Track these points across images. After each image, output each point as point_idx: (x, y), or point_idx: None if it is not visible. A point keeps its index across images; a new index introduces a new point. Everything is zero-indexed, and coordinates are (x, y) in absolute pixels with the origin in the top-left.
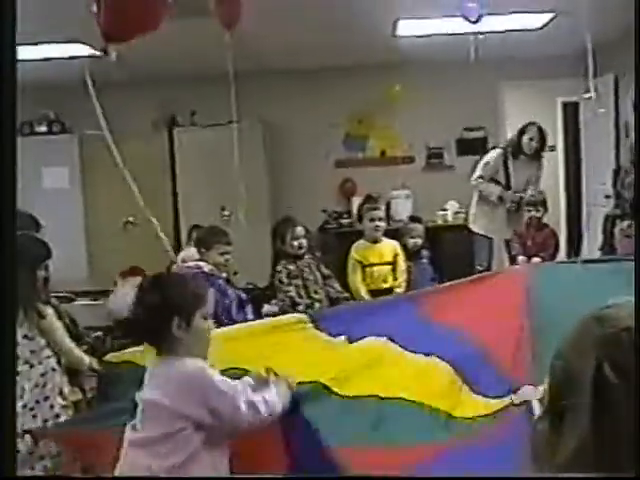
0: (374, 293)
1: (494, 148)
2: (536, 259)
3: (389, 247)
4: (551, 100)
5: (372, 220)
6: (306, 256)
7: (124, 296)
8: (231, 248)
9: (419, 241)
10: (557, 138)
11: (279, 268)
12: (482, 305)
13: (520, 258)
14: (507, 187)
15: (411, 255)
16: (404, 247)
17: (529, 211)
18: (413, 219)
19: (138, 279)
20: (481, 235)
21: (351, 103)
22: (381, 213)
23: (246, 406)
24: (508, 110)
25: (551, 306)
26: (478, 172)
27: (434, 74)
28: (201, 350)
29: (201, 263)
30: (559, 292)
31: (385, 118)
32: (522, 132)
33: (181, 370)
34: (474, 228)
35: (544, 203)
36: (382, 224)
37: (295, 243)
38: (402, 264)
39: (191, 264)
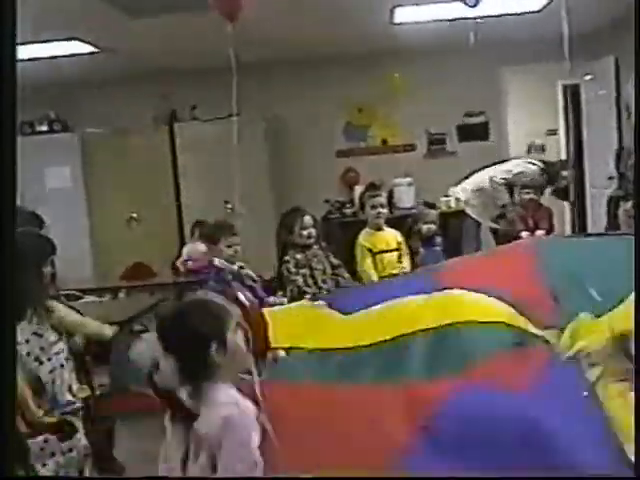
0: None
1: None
2: (539, 232)
3: (392, 235)
4: (551, 83)
5: (374, 207)
6: (314, 246)
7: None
8: (238, 239)
9: (433, 227)
10: (558, 121)
11: (287, 258)
12: (498, 272)
13: (524, 233)
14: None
15: (424, 241)
16: (418, 233)
17: (527, 193)
18: (427, 204)
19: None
20: (472, 219)
21: (351, 92)
22: (382, 200)
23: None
24: (509, 94)
25: (560, 273)
26: (506, 175)
27: (433, 60)
28: (237, 368)
29: (214, 260)
30: (566, 261)
31: (385, 106)
32: (562, 167)
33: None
34: (469, 210)
35: (541, 189)
36: (384, 211)
37: (304, 233)
38: (406, 250)
39: (202, 261)
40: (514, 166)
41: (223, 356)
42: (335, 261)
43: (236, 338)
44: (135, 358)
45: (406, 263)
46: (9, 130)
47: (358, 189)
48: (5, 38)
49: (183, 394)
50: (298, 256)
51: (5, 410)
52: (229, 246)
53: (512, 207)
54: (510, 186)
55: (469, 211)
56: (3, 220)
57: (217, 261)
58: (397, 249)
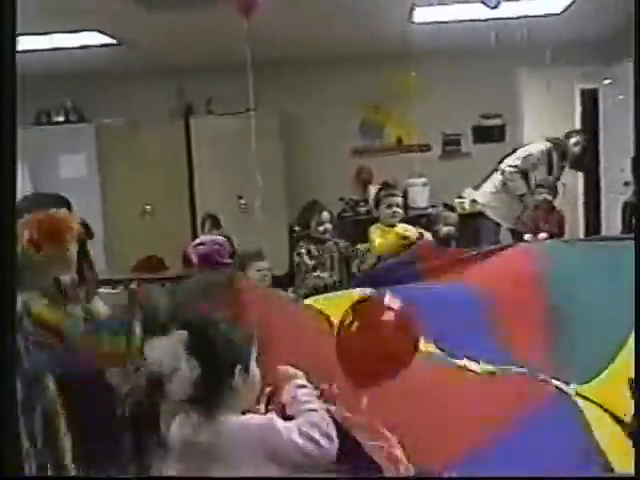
0: None
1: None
2: (542, 234)
3: (403, 230)
4: (570, 87)
5: (390, 206)
6: (329, 242)
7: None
8: (266, 264)
9: (452, 230)
10: (575, 125)
11: (301, 250)
12: (488, 271)
13: (527, 236)
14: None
15: (441, 242)
16: (435, 234)
17: (540, 193)
18: (446, 207)
19: (183, 335)
20: (490, 219)
21: (367, 91)
22: (399, 199)
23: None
24: (526, 97)
25: (560, 278)
26: (515, 162)
27: (451, 61)
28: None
29: (218, 238)
30: (568, 266)
31: (401, 106)
32: (568, 136)
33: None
34: (490, 213)
35: (555, 187)
36: (400, 211)
37: (320, 228)
38: None
39: (207, 238)
40: (521, 152)
41: (243, 382)
42: (348, 252)
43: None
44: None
45: None
46: (9, 131)
47: (372, 188)
48: (5, 31)
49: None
50: (312, 247)
51: (5, 410)
52: (258, 270)
53: (531, 196)
54: (524, 173)
55: (490, 214)
56: (3, 217)
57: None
58: (409, 245)
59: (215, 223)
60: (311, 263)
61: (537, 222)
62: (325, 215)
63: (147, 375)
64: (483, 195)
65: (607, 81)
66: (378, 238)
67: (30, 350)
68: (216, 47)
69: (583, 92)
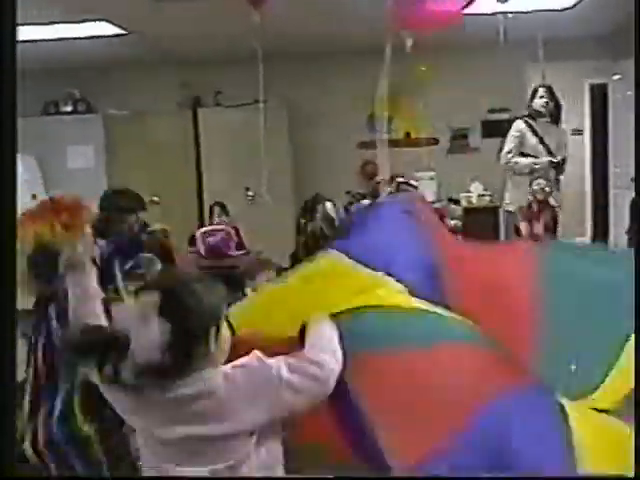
0: None
1: (515, 120)
2: (538, 226)
3: None
4: (579, 82)
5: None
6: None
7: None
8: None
9: (459, 223)
10: (584, 120)
11: (301, 239)
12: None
13: (521, 224)
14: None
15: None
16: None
17: (538, 184)
18: (451, 200)
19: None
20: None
21: (375, 84)
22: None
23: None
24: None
25: (557, 280)
26: (507, 147)
27: (460, 55)
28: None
29: (227, 228)
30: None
31: (410, 99)
32: (533, 96)
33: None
34: (511, 209)
35: (553, 180)
36: None
37: (325, 219)
38: None
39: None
40: (508, 135)
41: (216, 345)
42: None
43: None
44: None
45: None
46: (9, 130)
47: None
48: (5, 23)
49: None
50: (310, 242)
51: (5, 410)
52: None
53: (537, 172)
54: (521, 153)
55: (512, 209)
56: (3, 216)
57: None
58: None
59: (224, 210)
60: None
61: (532, 212)
62: (328, 206)
63: (113, 336)
64: (507, 198)
65: (616, 76)
66: None
67: None
68: (224, 38)
69: (592, 87)
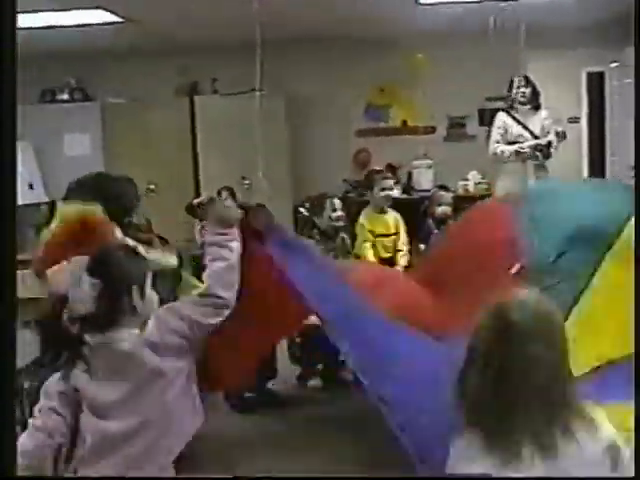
0: (379, 262)
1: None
2: None
3: (392, 218)
4: (576, 70)
5: (383, 189)
6: (339, 234)
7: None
8: None
9: (448, 209)
10: (581, 109)
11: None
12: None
13: None
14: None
15: (438, 223)
16: (432, 215)
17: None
18: (441, 187)
19: (84, 259)
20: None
21: (373, 72)
22: (391, 183)
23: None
24: (532, 80)
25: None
26: (493, 138)
27: (457, 43)
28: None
29: None
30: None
31: (407, 87)
32: (510, 86)
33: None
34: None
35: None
36: (391, 194)
37: (334, 215)
38: (404, 235)
39: None
40: (493, 128)
41: (142, 303)
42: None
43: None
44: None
45: (403, 247)
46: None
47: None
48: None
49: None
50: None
51: (5, 410)
52: None
53: (527, 148)
54: (508, 142)
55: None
56: (3, 214)
57: None
58: (395, 233)
59: (231, 194)
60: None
61: None
62: (337, 201)
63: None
64: (500, 188)
65: (614, 64)
66: (369, 254)
67: None
68: (221, 26)
69: (590, 75)
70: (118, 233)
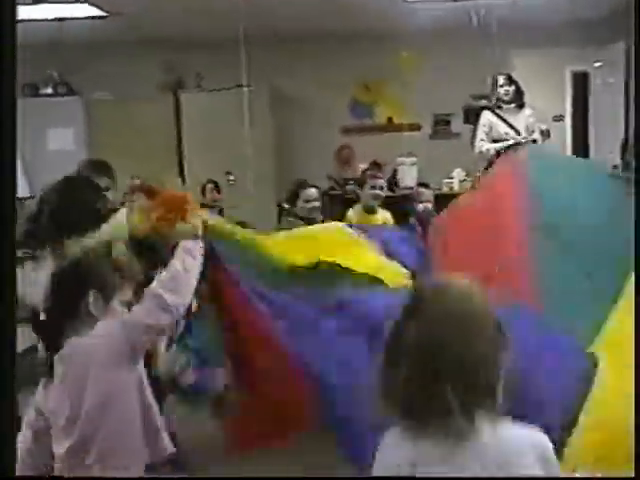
0: None
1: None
2: None
3: (382, 219)
4: (560, 69)
5: (373, 188)
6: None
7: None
8: None
9: (429, 205)
10: (566, 107)
11: (282, 225)
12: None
13: None
14: None
15: (422, 221)
16: (414, 213)
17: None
18: (421, 185)
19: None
20: None
21: (359, 69)
22: (382, 182)
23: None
24: (516, 78)
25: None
26: (479, 136)
27: (442, 40)
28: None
29: None
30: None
31: (392, 85)
32: (494, 85)
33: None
34: None
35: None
36: (382, 193)
37: (307, 205)
38: None
39: None
40: (478, 127)
41: (101, 311)
42: None
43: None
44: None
45: None
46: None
47: (361, 166)
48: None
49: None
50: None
51: (5, 410)
52: None
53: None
54: (493, 140)
55: None
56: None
57: None
58: None
59: (216, 188)
60: None
61: None
62: (312, 192)
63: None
64: None
65: (598, 64)
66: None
67: None
68: (206, 21)
69: (574, 74)
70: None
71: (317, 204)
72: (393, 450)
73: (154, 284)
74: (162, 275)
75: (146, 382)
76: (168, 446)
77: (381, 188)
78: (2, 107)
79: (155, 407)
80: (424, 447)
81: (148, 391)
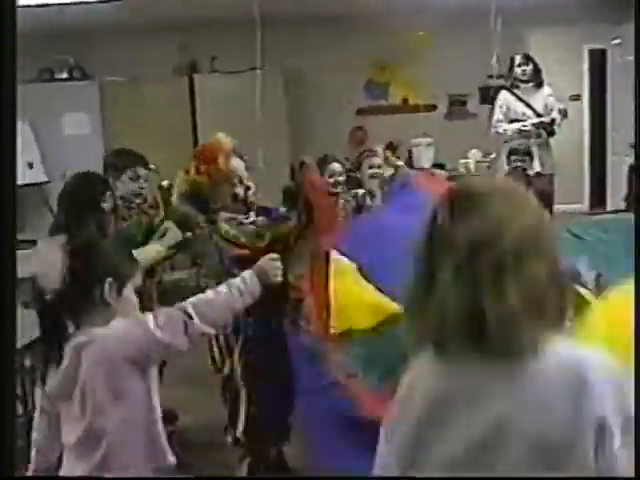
0: None
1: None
2: None
3: None
4: (578, 47)
5: (371, 167)
6: (344, 197)
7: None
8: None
9: None
10: (583, 86)
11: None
12: None
13: None
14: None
15: None
16: None
17: (513, 161)
18: (435, 166)
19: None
20: None
21: (373, 50)
22: (379, 161)
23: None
24: (533, 57)
25: None
26: (496, 116)
27: (458, 20)
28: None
29: None
30: None
31: (407, 65)
32: (512, 65)
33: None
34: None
35: (529, 152)
36: (380, 171)
37: (331, 180)
38: None
39: None
40: (495, 107)
41: (116, 301)
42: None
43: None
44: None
45: None
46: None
47: (377, 148)
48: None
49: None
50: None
51: (5, 410)
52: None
53: (530, 126)
54: (510, 120)
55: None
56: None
57: None
58: None
59: None
60: None
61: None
62: (336, 166)
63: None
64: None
65: (616, 41)
66: None
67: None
68: (220, 3)
69: (591, 52)
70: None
71: (341, 179)
72: (421, 380)
73: (190, 303)
74: (201, 296)
75: (156, 387)
76: (169, 456)
77: (379, 167)
78: (2, 97)
79: (159, 414)
80: (458, 372)
81: (156, 397)
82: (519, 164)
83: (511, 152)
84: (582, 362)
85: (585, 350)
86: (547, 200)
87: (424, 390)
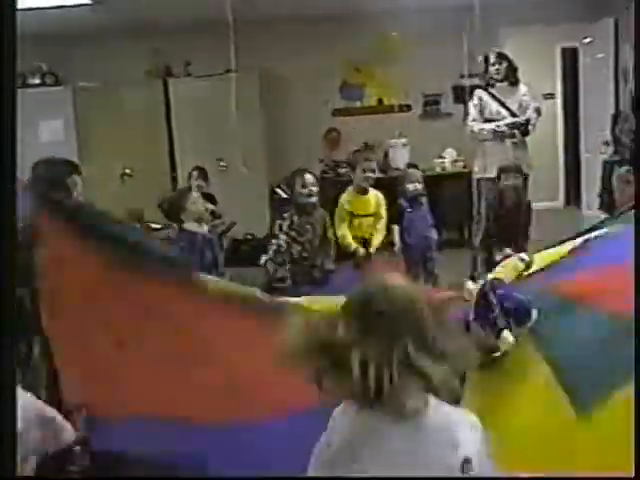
0: (357, 241)
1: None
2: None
3: (374, 198)
4: (550, 46)
5: (364, 171)
6: (315, 211)
7: None
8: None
9: (418, 185)
10: (556, 84)
11: (285, 215)
12: None
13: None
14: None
15: (410, 200)
16: (404, 194)
17: (504, 179)
18: (410, 166)
19: None
20: (487, 179)
21: (348, 51)
22: (374, 165)
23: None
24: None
25: None
26: (471, 115)
27: (431, 20)
28: None
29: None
30: None
31: (382, 66)
32: (486, 63)
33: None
34: (487, 174)
35: (519, 169)
36: (373, 175)
37: (304, 191)
38: (384, 214)
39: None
40: (470, 105)
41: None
42: (329, 235)
43: None
44: None
45: (381, 226)
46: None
47: (353, 148)
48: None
49: None
50: (295, 218)
51: (5, 410)
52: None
53: (504, 126)
54: (485, 120)
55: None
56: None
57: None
58: (375, 213)
59: (202, 175)
60: (282, 238)
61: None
62: (308, 177)
63: None
64: (480, 166)
65: (587, 39)
66: (348, 235)
67: None
68: (195, 6)
69: (564, 50)
70: None
71: (315, 189)
72: (345, 426)
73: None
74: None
75: None
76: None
77: (373, 171)
78: (2, 98)
79: None
80: (375, 421)
81: None
82: (511, 182)
83: (502, 170)
84: (454, 419)
85: (458, 411)
86: (521, 198)
87: (339, 430)
